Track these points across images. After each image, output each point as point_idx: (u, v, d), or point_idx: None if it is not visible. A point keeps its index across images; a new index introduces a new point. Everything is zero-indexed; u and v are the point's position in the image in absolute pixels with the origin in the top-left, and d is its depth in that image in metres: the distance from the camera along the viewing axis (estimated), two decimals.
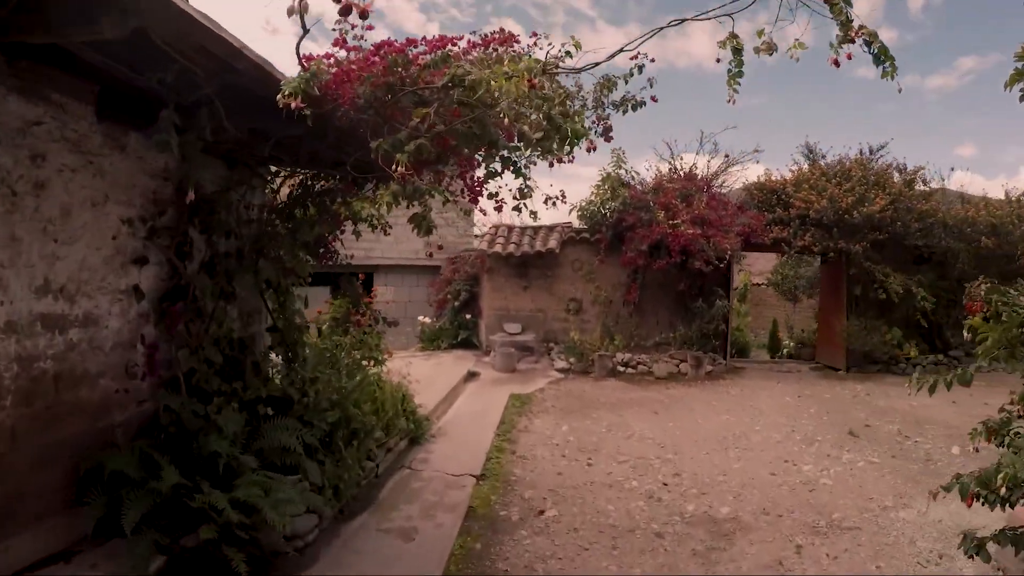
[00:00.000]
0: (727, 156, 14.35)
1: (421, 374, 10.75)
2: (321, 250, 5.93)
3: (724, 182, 14.54)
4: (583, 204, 13.12)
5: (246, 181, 5.14)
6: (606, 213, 12.82)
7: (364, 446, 5.61)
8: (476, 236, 14.59)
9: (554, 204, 4.80)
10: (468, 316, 13.98)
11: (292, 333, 5.49)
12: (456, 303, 14.10)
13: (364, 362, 6.67)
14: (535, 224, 14.09)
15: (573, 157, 4.15)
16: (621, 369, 11.66)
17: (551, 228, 13.55)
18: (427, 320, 14.49)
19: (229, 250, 4.93)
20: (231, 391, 4.59)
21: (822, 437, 7.56)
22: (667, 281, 12.59)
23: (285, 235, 5.25)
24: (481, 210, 5.32)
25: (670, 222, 11.82)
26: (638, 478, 6.10)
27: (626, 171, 13.16)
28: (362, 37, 3.56)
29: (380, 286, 17.12)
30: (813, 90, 76.00)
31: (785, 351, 15.64)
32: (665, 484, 5.94)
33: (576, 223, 13.58)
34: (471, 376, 11.08)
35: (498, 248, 12.98)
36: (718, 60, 3.49)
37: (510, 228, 13.92)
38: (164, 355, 4.40)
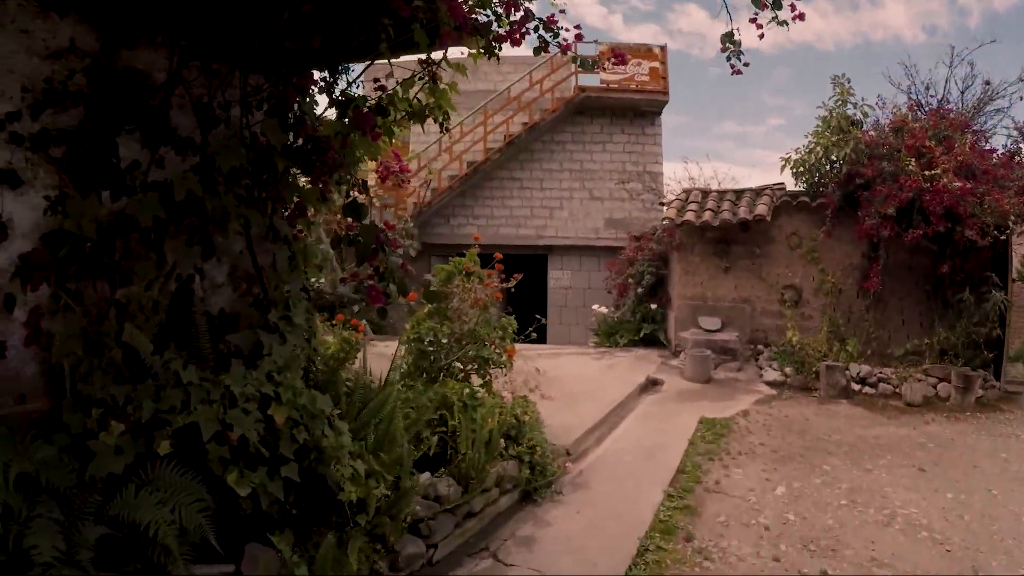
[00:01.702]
0: (987, 83, 10.34)
1: (582, 380, 8.39)
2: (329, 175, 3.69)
3: (985, 122, 10.56)
4: (798, 155, 9.83)
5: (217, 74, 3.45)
6: (831, 166, 9.47)
7: (395, 515, 3.47)
8: (662, 204, 11.74)
9: None
10: (654, 306, 11.25)
11: (280, 310, 3.52)
12: (639, 289, 11.40)
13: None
14: (737, 187, 11.09)
15: None
16: (856, 387, 8.27)
17: (758, 191, 10.38)
18: (604, 310, 11.95)
19: (184, 170, 3.15)
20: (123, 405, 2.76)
21: None
22: (917, 262, 9.01)
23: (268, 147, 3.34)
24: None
25: (925, 173, 8.29)
26: None
27: (854, 106, 9.67)
28: None
29: (555, 270, 14.93)
30: None
31: None
32: None
33: (791, 184, 10.31)
34: (650, 386, 8.44)
35: (690, 216, 10.06)
36: None
37: (705, 192, 10.95)
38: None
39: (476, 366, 5.51)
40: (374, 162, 5.21)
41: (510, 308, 15.54)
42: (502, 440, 4.62)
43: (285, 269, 3.66)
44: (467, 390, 4.73)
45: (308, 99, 3.68)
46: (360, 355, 6.01)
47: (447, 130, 4.39)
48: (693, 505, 4.63)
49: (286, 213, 3.80)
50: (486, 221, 15.37)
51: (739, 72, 4.41)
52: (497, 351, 5.51)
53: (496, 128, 14.89)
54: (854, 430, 6.63)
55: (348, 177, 3.83)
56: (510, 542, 4.07)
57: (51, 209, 2.84)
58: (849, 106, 9.57)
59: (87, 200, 2.89)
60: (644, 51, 14.78)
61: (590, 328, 12.29)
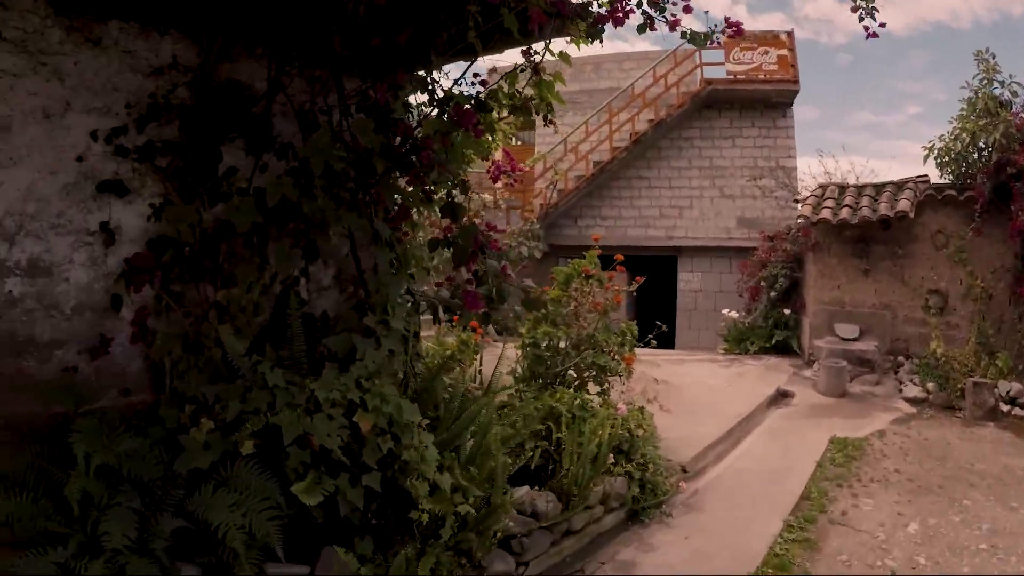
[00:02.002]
0: None
1: (707, 390, 8.22)
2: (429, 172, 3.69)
3: None
4: (943, 143, 9.04)
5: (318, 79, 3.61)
6: (979, 154, 8.65)
7: (484, 531, 3.48)
8: (796, 202, 11.17)
9: None
10: (787, 311, 10.74)
11: (378, 313, 3.57)
12: (772, 293, 10.93)
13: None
14: (876, 181, 10.37)
15: None
16: (1005, 408, 7.43)
17: (900, 184, 9.64)
18: (734, 315, 11.57)
19: (283, 174, 3.37)
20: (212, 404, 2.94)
21: None
22: None
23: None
24: None
25: None
26: None
27: (1001, 84, 8.75)
28: None
29: (684, 272, 14.61)
30: None
31: None
32: None
33: (935, 177, 9.52)
34: (779, 399, 8.12)
35: (826, 214, 9.51)
36: None
37: (842, 187, 10.31)
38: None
39: (593, 373, 5.53)
40: (486, 162, 5.33)
41: (635, 312, 15.43)
42: (611, 455, 4.63)
43: (386, 272, 3.68)
44: (577, 400, 4.78)
45: (398, 98, 3.69)
46: (478, 358, 6.18)
47: (551, 122, 4.29)
48: (814, 539, 4.44)
49: (390, 215, 3.78)
50: (614, 222, 15.27)
51: (875, 35, 3.86)
52: (615, 359, 5.49)
53: (622, 126, 14.74)
54: (1000, 459, 6.06)
55: (447, 177, 3.81)
56: (608, 565, 4.08)
57: (155, 215, 3.12)
58: (996, 85, 8.69)
59: (189, 206, 3.13)
60: (771, 38, 14.13)
61: (719, 334, 11.94)
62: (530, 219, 14.79)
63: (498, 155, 5.26)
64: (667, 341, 15.00)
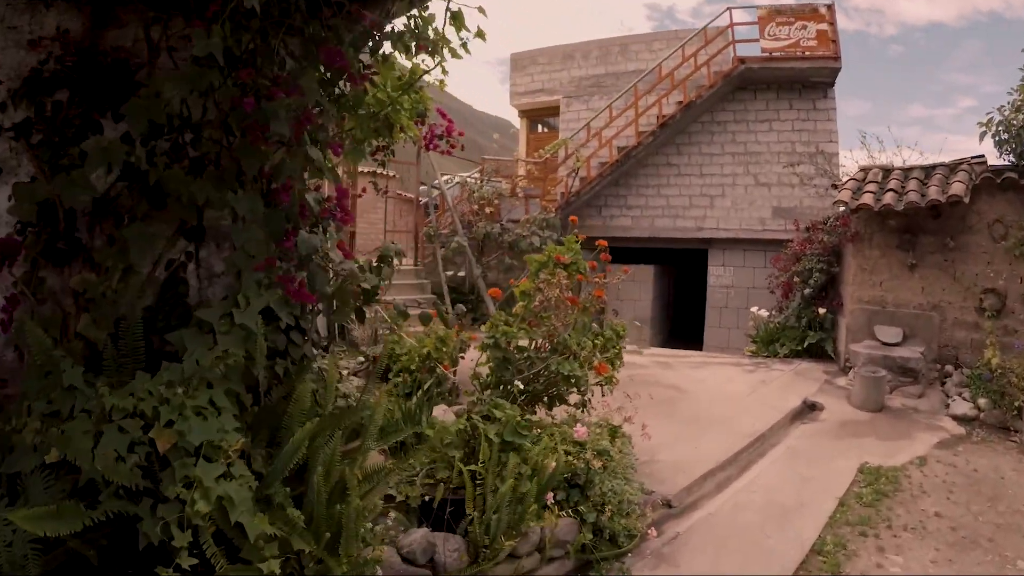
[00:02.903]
0: None
1: (722, 399, 7.27)
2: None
3: None
4: (1003, 117, 7.82)
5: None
6: None
7: None
8: (835, 187, 9.99)
9: None
10: (822, 310, 9.62)
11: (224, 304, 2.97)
12: (806, 290, 9.81)
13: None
14: (924, 163, 9.15)
15: None
16: None
17: (953, 166, 8.45)
18: (764, 313, 10.48)
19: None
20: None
21: None
22: None
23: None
24: None
25: None
26: None
27: None
28: None
29: (715, 266, 13.53)
30: None
31: None
32: None
33: (993, 159, 8.28)
34: (806, 412, 7.10)
35: (867, 199, 8.35)
36: None
37: (887, 169, 9.13)
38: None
39: (572, 383, 4.67)
40: (420, 126, 4.51)
41: (668, 309, 14.40)
42: (558, 491, 3.78)
43: (242, 255, 3.03)
44: (519, 419, 3.92)
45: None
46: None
47: (445, 73, 3.86)
48: None
49: (268, 187, 3.26)
50: (640, 212, 14.32)
51: None
52: (586, 367, 4.61)
53: (648, 109, 13.73)
54: None
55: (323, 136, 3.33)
56: None
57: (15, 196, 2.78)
58: None
59: (36, 184, 2.82)
60: (809, 12, 12.87)
61: (747, 334, 10.88)
62: (548, 208, 13.95)
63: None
64: (696, 341, 14.06)
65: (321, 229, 3.62)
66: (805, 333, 9.66)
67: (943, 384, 7.71)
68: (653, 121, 13.66)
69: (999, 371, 6.93)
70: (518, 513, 3.49)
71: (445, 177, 15.03)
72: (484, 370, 4.96)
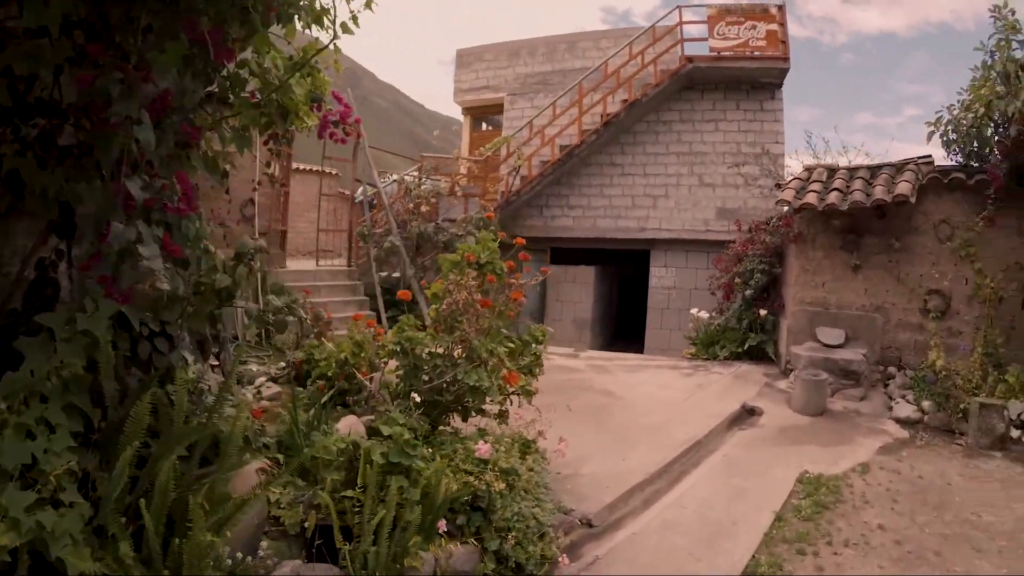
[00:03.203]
0: None
1: (658, 405, 6.79)
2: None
3: None
4: (952, 116, 7.55)
5: None
6: (996, 129, 7.17)
7: None
8: (778, 186, 9.65)
9: None
10: (764, 312, 9.25)
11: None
12: (747, 291, 9.44)
13: None
14: (870, 163, 8.87)
15: None
16: (1015, 434, 5.93)
17: (899, 166, 8.17)
18: (704, 315, 10.08)
19: None
20: None
21: None
22: None
23: None
24: None
25: None
26: None
27: (1020, 45, 7.13)
28: None
29: (657, 267, 13.15)
30: None
31: None
32: None
33: (941, 158, 8.02)
34: (745, 417, 6.67)
35: (811, 198, 7.99)
36: None
37: (831, 169, 8.81)
38: None
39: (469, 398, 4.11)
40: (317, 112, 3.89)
41: (611, 311, 13.98)
42: (450, 517, 3.21)
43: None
44: (406, 436, 3.32)
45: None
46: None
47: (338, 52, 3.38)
48: None
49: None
50: (582, 212, 13.88)
51: None
52: (494, 377, 4.05)
53: (591, 107, 13.31)
54: (1014, 507, 4.60)
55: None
56: None
57: None
58: (1016, 47, 7.17)
59: None
60: (760, 12, 12.62)
61: (686, 336, 10.48)
62: (486, 207, 13.42)
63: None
64: (643, 341, 13.65)
65: (153, 221, 2.97)
66: (746, 335, 9.28)
67: (886, 386, 7.37)
68: (598, 120, 13.25)
69: (944, 373, 6.60)
70: (401, 544, 2.89)
71: (395, 176, 14.42)
72: (394, 378, 4.43)
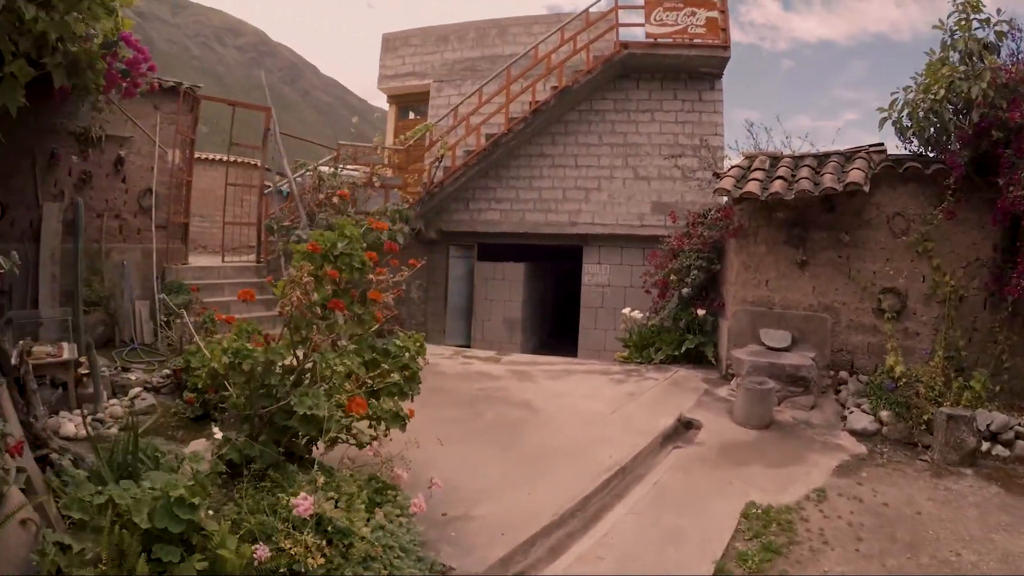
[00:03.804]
0: None
1: (581, 419, 5.82)
2: None
3: None
4: (906, 100, 6.82)
5: None
6: (957, 115, 6.46)
7: None
8: (716, 175, 8.85)
9: None
10: (702, 312, 8.41)
11: None
12: (684, 289, 8.59)
13: None
14: (818, 151, 8.13)
15: None
16: (986, 446, 5.29)
17: (849, 154, 7.42)
18: (637, 315, 9.20)
19: None
20: None
21: None
22: None
23: None
24: None
25: None
26: None
27: (986, 24, 6.43)
28: None
29: (590, 264, 12.28)
30: None
31: None
32: None
33: (894, 147, 7.29)
34: (681, 431, 5.76)
35: (753, 187, 7.14)
36: None
37: (775, 156, 8.02)
38: None
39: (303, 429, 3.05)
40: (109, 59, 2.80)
41: (544, 309, 13.06)
42: None
43: None
44: (181, 491, 2.24)
45: None
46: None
47: None
48: None
49: None
50: (510, 205, 12.92)
51: None
52: (333, 403, 2.99)
53: (519, 94, 12.36)
54: (993, 537, 3.80)
55: None
56: None
57: None
58: (977, 24, 6.47)
59: None
60: None
61: (618, 338, 9.60)
62: (408, 200, 12.34)
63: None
64: (571, 345, 12.81)
65: None
66: (683, 337, 8.42)
67: (837, 392, 6.58)
68: (527, 108, 12.31)
69: (903, 380, 5.82)
70: None
71: (311, 166, 13.22)
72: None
